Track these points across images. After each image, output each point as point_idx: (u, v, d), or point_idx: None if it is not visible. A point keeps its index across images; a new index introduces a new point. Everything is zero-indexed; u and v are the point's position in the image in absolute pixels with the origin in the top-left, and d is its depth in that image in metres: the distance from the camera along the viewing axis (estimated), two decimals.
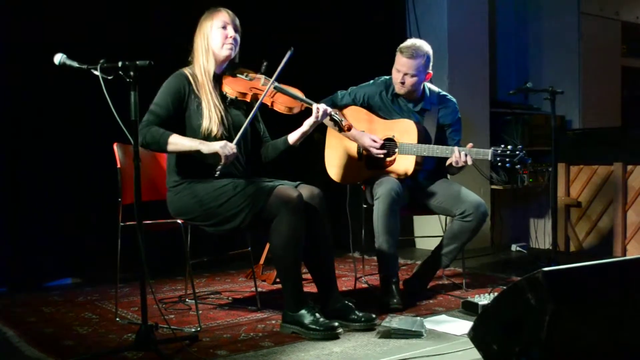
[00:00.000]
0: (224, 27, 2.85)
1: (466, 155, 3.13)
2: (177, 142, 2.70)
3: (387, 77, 3.45)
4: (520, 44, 5.98)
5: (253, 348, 2.50)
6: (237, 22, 2.90)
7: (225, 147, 2.68)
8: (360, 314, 2.78)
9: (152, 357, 2.37)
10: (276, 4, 4.58)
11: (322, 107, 2.87)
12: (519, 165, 3.09)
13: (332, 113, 2.88)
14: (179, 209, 2.84)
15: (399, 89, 3.35)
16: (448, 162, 3.20)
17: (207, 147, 2.69)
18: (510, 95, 3.96)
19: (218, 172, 2.70)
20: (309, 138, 2.97)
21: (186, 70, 2.88)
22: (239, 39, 2.89)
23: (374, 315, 2.79)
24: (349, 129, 2.93)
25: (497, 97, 5.69)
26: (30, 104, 3.73)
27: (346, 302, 2.84)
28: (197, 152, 2.70)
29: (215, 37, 2.84)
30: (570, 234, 4.97)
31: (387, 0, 5.24)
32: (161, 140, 2.69)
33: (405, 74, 3.27)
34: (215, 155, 2.69)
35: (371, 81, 3.50)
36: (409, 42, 3.32)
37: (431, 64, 3.34)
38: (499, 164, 3.11)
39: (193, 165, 2.81)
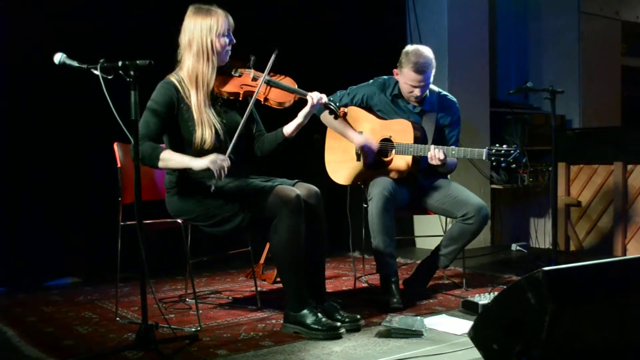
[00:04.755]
0: (227, 34, 2.75)
1: (439, 150, 3.11)
2: (168, 159, 2.62)
3: (386, 77, 3.43)
4: (520, 44, 5.98)
5: (253, 348, 2.49)
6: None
7: (215, 162, 2.56)
8: (345, 315, 2.75)
9: (152, 357, 2.37)
10: (275, 2, 4.58)
11: (316, 95, 2.80)
12: (514, 165, 3.07)
13: (327, 101, 2.84)
14: (178, 209, 2.82)
15: (409, 98, 3.34)
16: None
17: (197, 164, 2.59)
18: (510, 95, 3.96)
19: (213, 189, 2.62)
20: (308, 139, 2.94)
21: (173, 78, 2.76)
22: None
23: (358, 316, 2.77)
24: (345, 114, 2.88)
25: (497, 97, 5.69)
26: (30, 104, 3.73)
27: (331, 302, 2.82)
28: (189, 168, 2.64)
29: (220, 43, 2.73)
30: (570, 234, 4.97)
31: (387, 0, 5.24)
32: (153, 155, 2.61)
33: (418, 87, 3.26)
34: (207, 169, 2.60)
35: (370, 81, 3.48)
36: (417, 55, 3.21)
37: None
38: (494, 163, 3.10)
39: (189, 171, 2.72)
